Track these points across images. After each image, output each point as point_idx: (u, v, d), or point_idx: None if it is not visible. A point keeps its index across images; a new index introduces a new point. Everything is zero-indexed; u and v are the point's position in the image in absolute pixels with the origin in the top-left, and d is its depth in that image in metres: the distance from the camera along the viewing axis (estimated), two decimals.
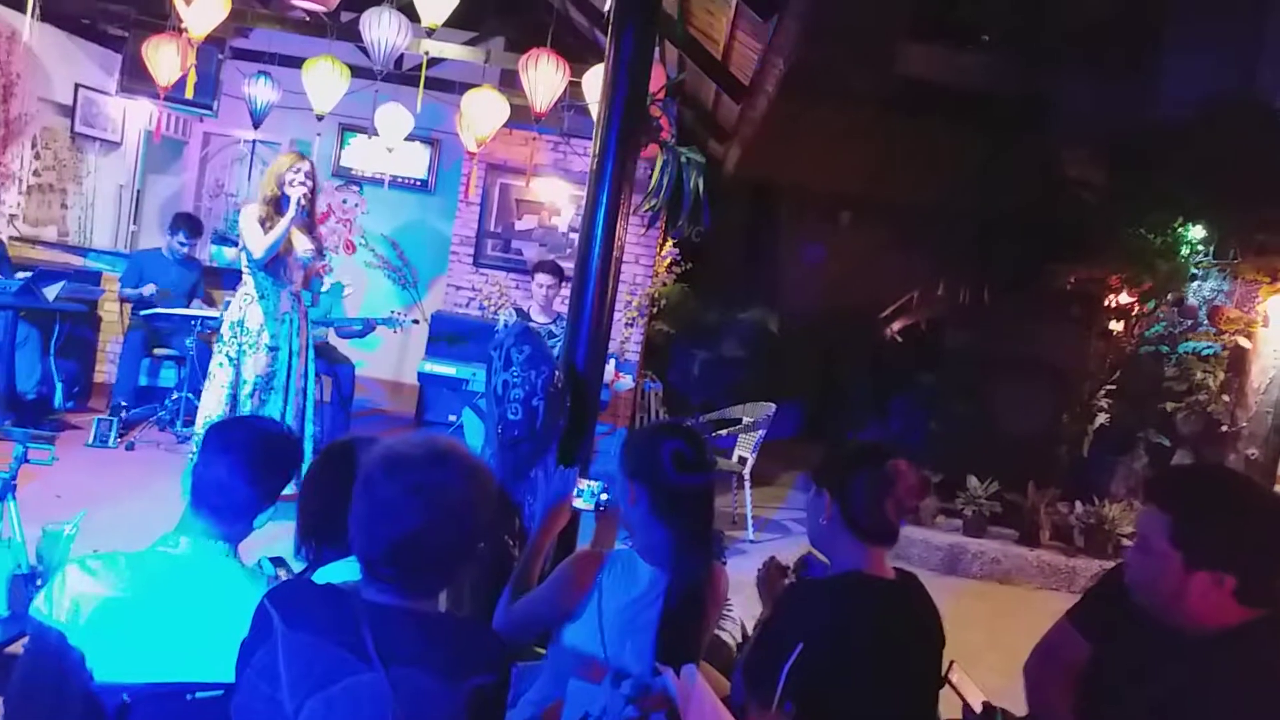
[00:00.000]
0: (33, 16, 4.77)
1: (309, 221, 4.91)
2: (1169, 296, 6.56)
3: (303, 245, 4.88)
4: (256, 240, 4.70)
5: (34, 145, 7.24)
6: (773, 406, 6.75)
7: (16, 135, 7.03)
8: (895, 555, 5.77)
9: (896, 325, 10.54)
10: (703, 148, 6.80)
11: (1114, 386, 6.85)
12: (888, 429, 8.55)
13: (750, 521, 6.24)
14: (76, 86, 7.56)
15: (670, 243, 7.73)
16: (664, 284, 8.01)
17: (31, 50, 6.84)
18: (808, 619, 1.81)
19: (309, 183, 4.78)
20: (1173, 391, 6.41)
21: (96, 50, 7.65)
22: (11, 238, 6.70)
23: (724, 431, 6.75)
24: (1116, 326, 7.24)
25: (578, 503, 2.26)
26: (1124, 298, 7.09)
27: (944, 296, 9.86)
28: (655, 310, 8.18)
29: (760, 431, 6.58)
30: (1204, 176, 6.25)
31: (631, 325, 7.66)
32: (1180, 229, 6.44)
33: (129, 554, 1.89)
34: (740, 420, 6.86)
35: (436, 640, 1.49)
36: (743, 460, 6.57)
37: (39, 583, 2.05)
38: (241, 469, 1.92)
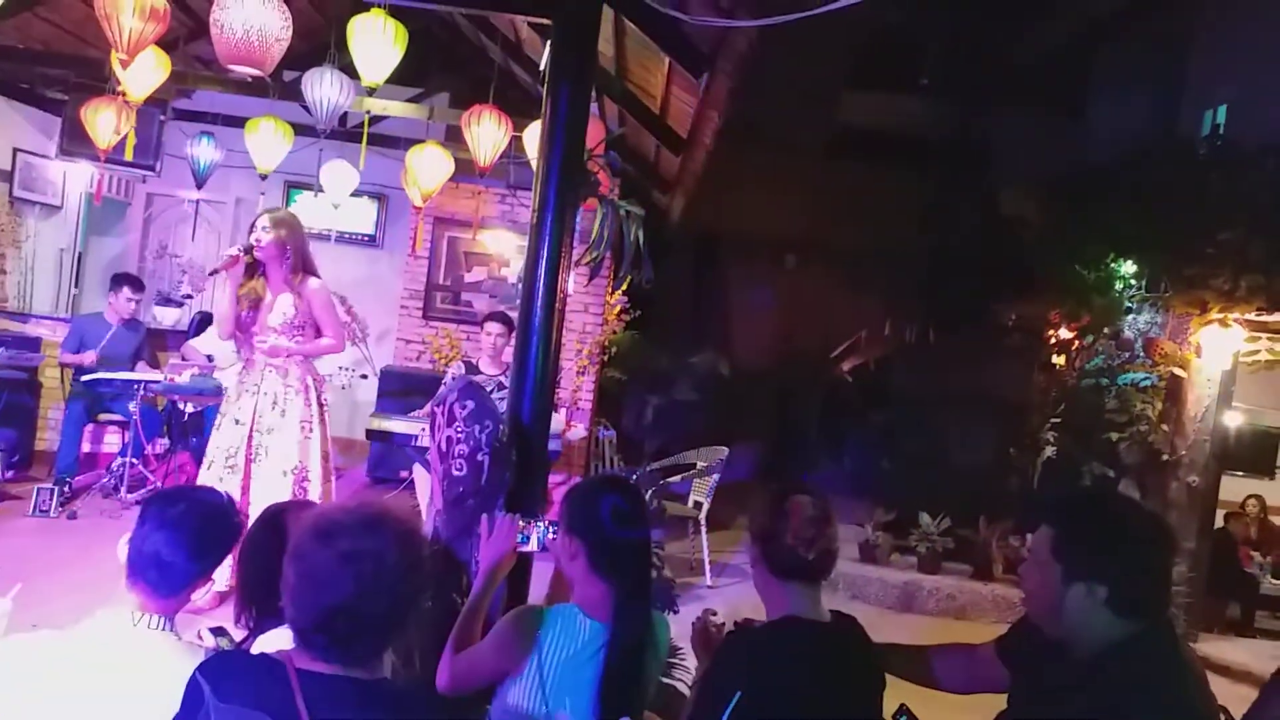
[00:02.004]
0: None
1: (284, 275, 4.42)
2: (1106, 330, 6.74)
3: (280, 307, 4.40)
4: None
5: None
6: (726, 450, 6.78)
7: None
8: (851, 595, 5.79)
9: (846, 365, 10.68)
10: (646, 198, 6.92)
11: (1059, 419, 7.00)
12: (842, 468, 8.63)
13: (708, 567, 6.24)
14: (15, 151, 7.49)
15: (619, 291, 7.80)
16: (614, 332, 8.06)
17: None
18: (743, 667, 1.83)
19: (254, 234, 4.37)
20: (1114, 423, 6.56)
21: (35, 114, 7.59)
22: None
23: (678, 477, 6.76)
24: (1058, 360, 7.41)
25: (525, 547, 2.26)
26: (1064, 333, 7.28)
27: (891, 336, 10.03)
28: (606, 358, 8.22)
29: (715, 476, 6.60)
30: (1134, 213, 6.46)
31: (583, 373, 7.68)
32: (1114, 264, 6.64)
33: (61, 630, 1.85)
34: (694, 465, 6.88)
35: (373, 707, 1.48)
36: (698, 505, 6.58)
37: None
38: (180, 544, 1.89)
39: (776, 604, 1.95)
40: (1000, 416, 7.31)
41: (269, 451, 4.39)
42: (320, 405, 4.57)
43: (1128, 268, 6.64)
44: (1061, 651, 1.76)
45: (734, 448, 6.92)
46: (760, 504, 2.04)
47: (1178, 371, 6.40)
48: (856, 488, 7.54)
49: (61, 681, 1.75)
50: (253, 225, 4.45)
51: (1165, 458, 6.38)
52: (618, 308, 7.91)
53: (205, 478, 4.42)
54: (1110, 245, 6.59)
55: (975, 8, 8.95)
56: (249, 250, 4.35)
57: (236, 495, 4.22)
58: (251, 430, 4.39)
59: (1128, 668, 1.66)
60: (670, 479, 6.74)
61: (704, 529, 6.37)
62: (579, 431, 6.93)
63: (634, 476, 6.00)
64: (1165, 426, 6.41)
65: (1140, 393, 6.53)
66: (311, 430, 4.48)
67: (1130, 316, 6.64)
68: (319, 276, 4.57)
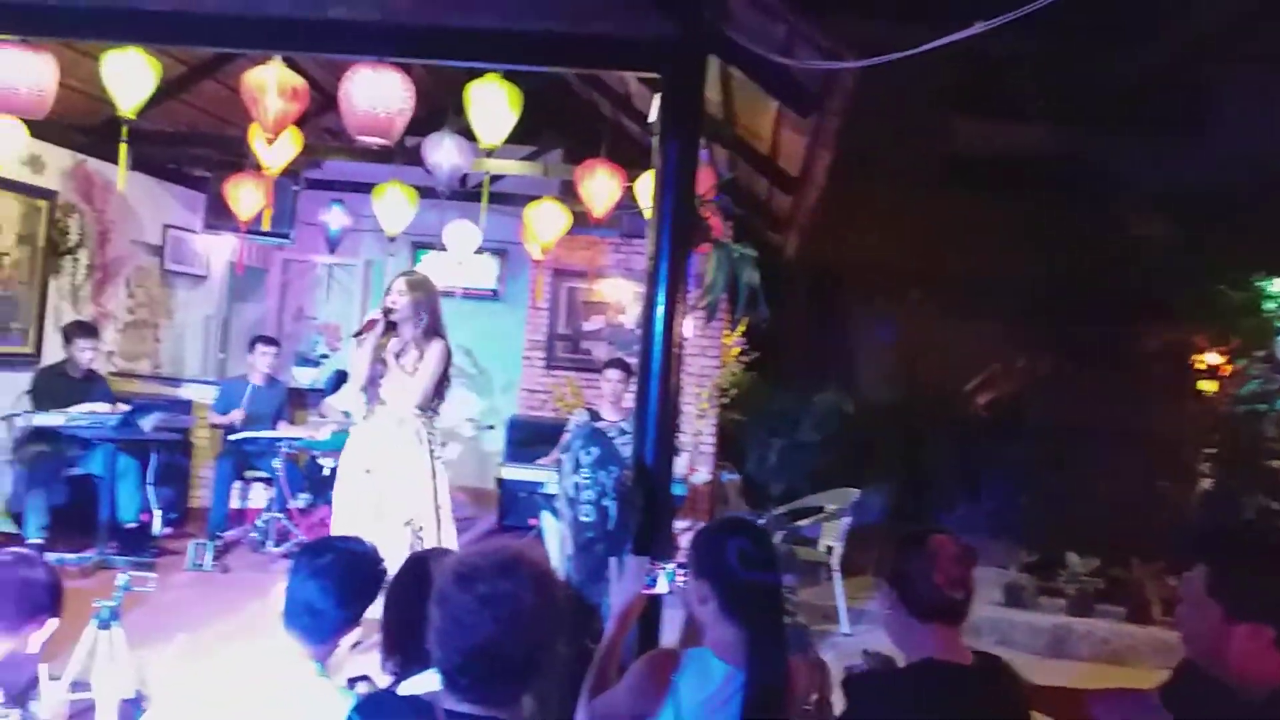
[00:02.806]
0: (126, 167, 5.12)
1: (415, 336, 4.63)
2: (1259, 353, 6.34)
3: (407, 362, 4.61)
4: None
5: (128, 285, 7.69)
6: (857, 492, 6.63)
7: (113, 277, 7.48)
8: (998, 640, 5.53)
9: (980, 400, 10.34)
10: (760, 239, 6.90)
11: (1213, 449, 6.60)
12: (978, 507, 8.31)
13: (844, 614, 6.06)
14: (165, 227, 8.05)
15: (736, 333, 7.79)
16: (733, 374, 8.03)
17: (124, 197, 7.33)
18: (880, 710, 1.77)
19: (390, 297, 4.64)
20: (1276, 450, 6.13)
21: (182, 192, 8.16)
22: (110, 373, 7.07)
23: (807, 521, 6.64)
24: (1207, 387, 7.00)
25: (653, 590, 2.26)
26: (1212, 357, 6.88)
27: (1025, 368, 9.67)
28: (726, 401, 8.19)
29: (846, 519, 6.45)
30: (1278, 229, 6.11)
31: (703, 417, 7.67)
32: (1262, 283, 6.27)
33: (226, 670, 1.96)
34: (822, 509, 6.75)
35: None
36: (830, 550, 6.43)
37: (144, 705, 2.13)
38: (329, 591, 1.99)
39: (916, 647, 1.90)
40: (1148, 448, 6.93)
41: (390, 502, 4.54)
42: (435, 458, 4.71)
43: (1277, 286, 6.26)
44: (1232, 695, 1.65)
45: (863, 489, 6.76)
46: (896, 545, 1.99)
47: None
48: (995, 528, 7.25)
49: (224, 717, 1.85)
50: (389, 288, 4.69)
51: None
52: (736, 349, 7.89)
53: (335, 528, 4.61)
54: (1258, 263, 6.22)
55: (1081, 30, 8.71)
56: (387, 313, 4.58)
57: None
58: (373, 480, 4.56)
59: None
60: (799, 523, 6.62)
61: (837, 574, 6.22)
62: (702, 475, 6.91)
63: (761, 521, 5.92)
64: None
65: None
66: (429, 481, 4.63)
67: None
68: (445, 339, 4.75)
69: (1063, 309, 8.73)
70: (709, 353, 7.77)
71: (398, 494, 4.56)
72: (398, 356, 4.63)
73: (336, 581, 1.99)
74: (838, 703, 2.83)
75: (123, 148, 4.97)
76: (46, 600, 1.88)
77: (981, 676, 1.90)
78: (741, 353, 7.95)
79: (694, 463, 7.06)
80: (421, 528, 4.54)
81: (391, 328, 4.62)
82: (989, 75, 9.97)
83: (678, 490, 5.36)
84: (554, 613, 1.57)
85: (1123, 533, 6.40)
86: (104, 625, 3.17)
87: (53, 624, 1.89)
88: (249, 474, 6.82)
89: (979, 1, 2.80)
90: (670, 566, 2.27)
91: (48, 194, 6.72)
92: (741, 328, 7.76)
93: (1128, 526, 6.50)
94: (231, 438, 6.62)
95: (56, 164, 6.77)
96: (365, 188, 7.04)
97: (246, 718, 1.90)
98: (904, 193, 9.70)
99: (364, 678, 2.39)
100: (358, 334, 4.68)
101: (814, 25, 3.47)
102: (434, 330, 4.67)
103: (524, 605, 1.52)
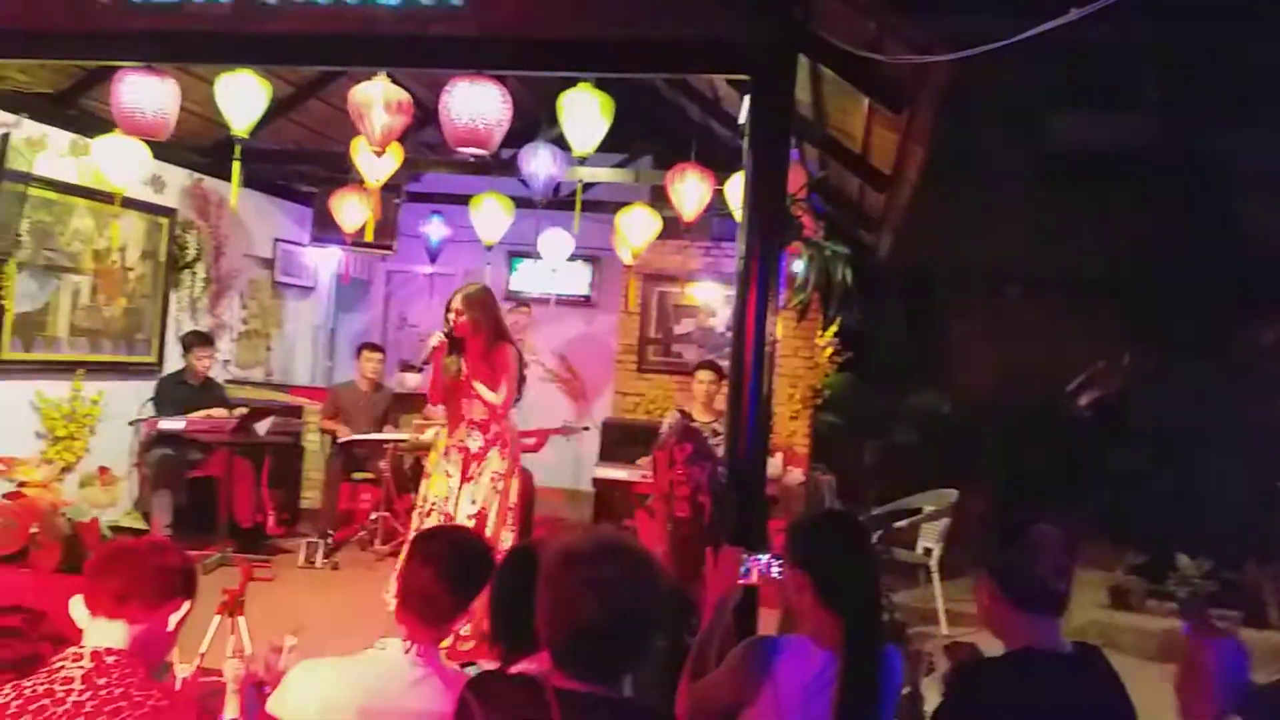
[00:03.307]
0: (239, 184, 5.40)
1: (480, 347, 4.77)
2: None
3: (479, 375, 4.74)
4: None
5: (242, 297, 8.08)
6: (955, 493, 6.53)
7: (227, 289, 7.87)
8: (1104, 643, 5.42)
9: (1083, 400, 10.02)
10: (853, 239, 6.87)
11: None
12: (1083, 508, 8.07)
13: (943, 616, 5.98)
14: (275, 241, 8.43)
15: (829, 333, 7.75)
16: (826, 375, 7.99)
17: (237, 213, 7.71)
18: (979, 698, 1.78)
19: (449, 314, 4.79)
20: None
21: (291, 207, 8.53)
22: (226, 380, 7.43)
23: (904, 522, 6.56)
24: None
25: (747, 580, 2.30)
26: None
27: (1131, 366, 9.34)
28: (820, 402, 8.14)
29: (945, 520, 6.36)
30: None
31: (796, 418, 7.65)
32: None
33: (344, 658, 2.09)
34: (920, 510, 6.66)
35: None
36: (928, 551, 6.36)
37: (266, 690, 2.27)
38: (442, 578, 2.10)
39: (1015, 637, 1.90)
40: (1261, 446, 6.63)
41: (466, 500, 4.74)
42: (514, 460, 4.89)
43: None
44: None
45: (963, 490, 6.65)
46: (997, 535, 2.00)
47: None
48: (1100, 529, 7.03)
49: (344, 699, 1.97)
50: (448, 305, 4.84)
51: None
52: (829, 350, 7.85)
53: (415, 523, 4.80)
54: None
55: (1191, 19, 8.38)
56: (448, 334, 4.75)
57: None
58: (463, 482, 4.76)
59: None
60: (896, 524, 6.55)
61: (936, 576, 6.14)
62: (796, 476, 6.89)
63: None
64: None
65: None
66: (501, 482, 4.80)
67: None
68: (512, 342, 4.92)
69: (1171, 303, 8.42)
70: (801, 354, 7.75)
71: (473, 493, 4.76)
72: (470, 371, 4.78)
73: (448, 568, 2.10)
74: (930, 697, 2.84)
75: (236, 166, 5.22)
76: (181, 583, 2.02)
77: (1080, 665, 1.89)
78: (834, 353, 7.89)
79: (788, 464, 7.04)
80: (487, 522, 4.71)
81: (456, 345, 4.78)
82: (1092, 66, 9.68)
83: (771, 491, 5.37)
84: (655, 594, 1.64)
85: (1237, 534, 6.14)
86: (228, 614, 3.38)
87: (186, 606, 2.03)
88: (357, 475, 7.08)
89: None
90: (765, 557, 2.31)
91: (168, 212, 7.11)
92: (834, 328, 7.71)
93: (1242, 527, 6.23)
94: (340, 440, 6.89)
95: (175, 183, 7.17)
96: (463, 199, 7.26)
97: (362, 701, 2.01)
98: (1003, 188, 9.48)
99: (472, 665, 2.50)
100: (424, 363, 4.87)
101: (905, 20, 3.46)
102: (497, 337, 4.82)
103: (626, 588, 1.59)
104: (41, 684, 1.83)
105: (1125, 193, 9.08)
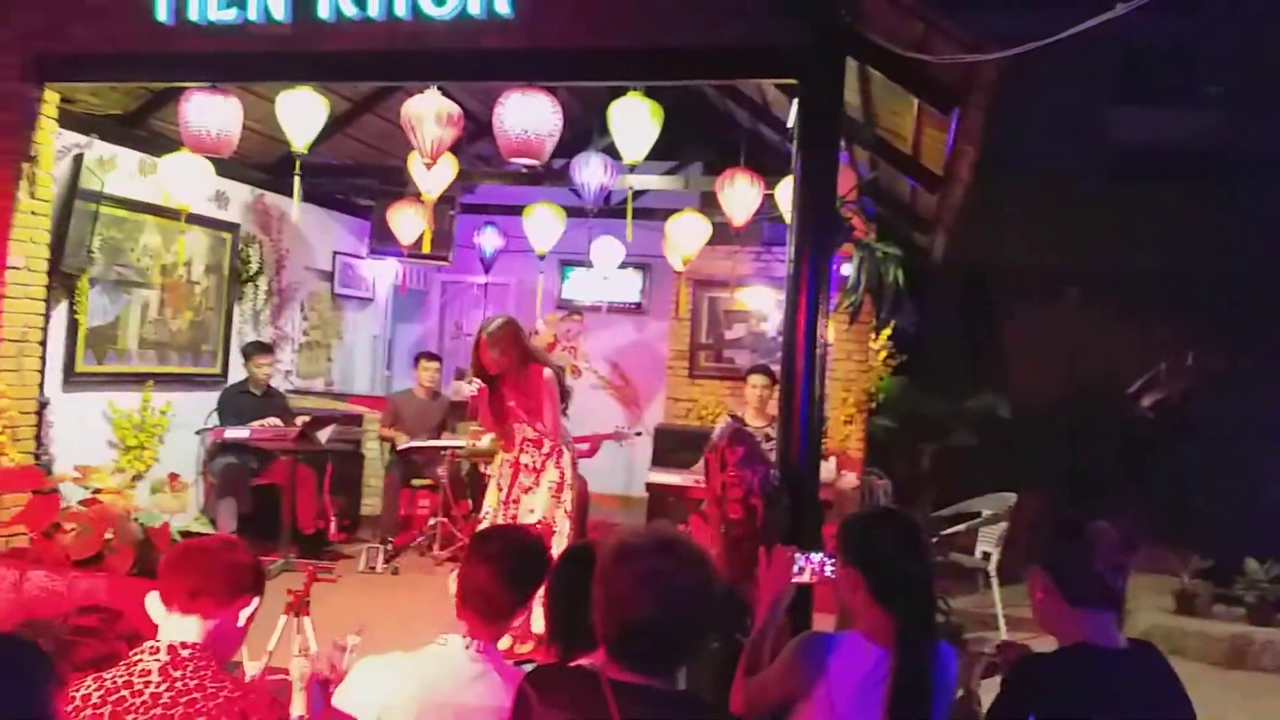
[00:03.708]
0: (299, 199, 5.55)
1: (514, 378, 4.95)
2: None
3: (520, 403, 4.96)
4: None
5: (303, 308, 8.28)
6: (1014, 497, 6.44)
7: (288, 301, 8.07)
8: (1169, 650, 5.30)
9: (1146, 401, 9.80)
10: (906, 240, 6.82)
11: None
12: (1146, 511, 7.90)
13: (1002, 621, 5.89)
14: (335, 253, 8.62)
15: (882, 336, 7.69)
16: (880, 378, 7.93)
17: (298, 227, 7.91)
18: (1035, 691, 1.78)
19: (479, 361, 4.93)
20: None
21: (349, 220, 8.72)
22: (288, 390, 7.62)
23: (961, 527, 6.49)
24: None
25: (800, 579, 2.32)
26: None
27: (1195, 366, 9.13)
28: (874, 406, 8.08)
29: (1003, 524, 6.28)
30: None
31: (850, 423, 7.61)
32: None
33: (406, 654, 2.16)
34: (979, 514, 6.59)
35: (678, 715, 1.63)
36: (986, 556, 6.28)
37: (331, 688, 2.34)
38: (500, 577, 2.16)
39: (1070, 632, 1.89)
40: None
41: (525, 510, 4.88)
42: (571, 470, 5.02)
43: None
44: None
45: (1022, 494, 6.55)
46: (1052, 532, 1.99)
47: None
48: (1165, 534, 6.88)
49: (405, 693, 2.03)
50: (475, 345, 4.94)
51: None
52: (883, 353, 7.79)
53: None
54: None
55: (1253, 5, 8.19)
56: (482, 377, 4.88)
57: None
58: (510, 493, 4.93)
59: None
60: (954, 528, 6.48)
61: (995, 581, 6.06)
62: (850, 480, 6.85)
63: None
64: None
65: None
66: (560, 492, 4.92)
67: None
68: (548, 366, 5.03)
69: (1235, 301, 8.22)
70: (855, 357, 7.70)
71: (530, 504, 4.89)
72: (513, 402, 4.94)
73: (506, 567, 2.15)
74: (986, 700, 2.81)
75: (296, 181, 5.38)
76: (251, 580, 2.10)
77: (1137, 661, 1.88)
78: (888, 356, 7.83)
79: (841, 468, 7.01)
80: (552, 531, 4.83)
81: (492, 382, 4.90)
82: (1156, 58, 9.52)
83: (825, 495, 5.36)
84: (708, 589, 1.67)
85: None
86: (294, 613, 3.48)
87: (255, 602, 2.11)
88: (415, 482, 7.21)
89: None
90: (819, 556, 2.32)
91: (232, 227, 7.33)
92: (887, 331, 7.66)
93: None
94: (399, 448, 7.02)
95: (238, 199, 7.38)
96: (516, 209, 7.36)
97: (423, 695, 2.07)
98: (1060, 186, 9.35)
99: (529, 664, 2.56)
100: (471, 415, 5.02)
101: (952, 20, 3.45)
102: (527, 361, 4.93)
103: (680, 583, 1.62)
104: (120, 676, 1.92)
105: (1186, 189, 8.90)
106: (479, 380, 4.90)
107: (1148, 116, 9.97)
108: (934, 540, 6.24)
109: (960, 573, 6.43)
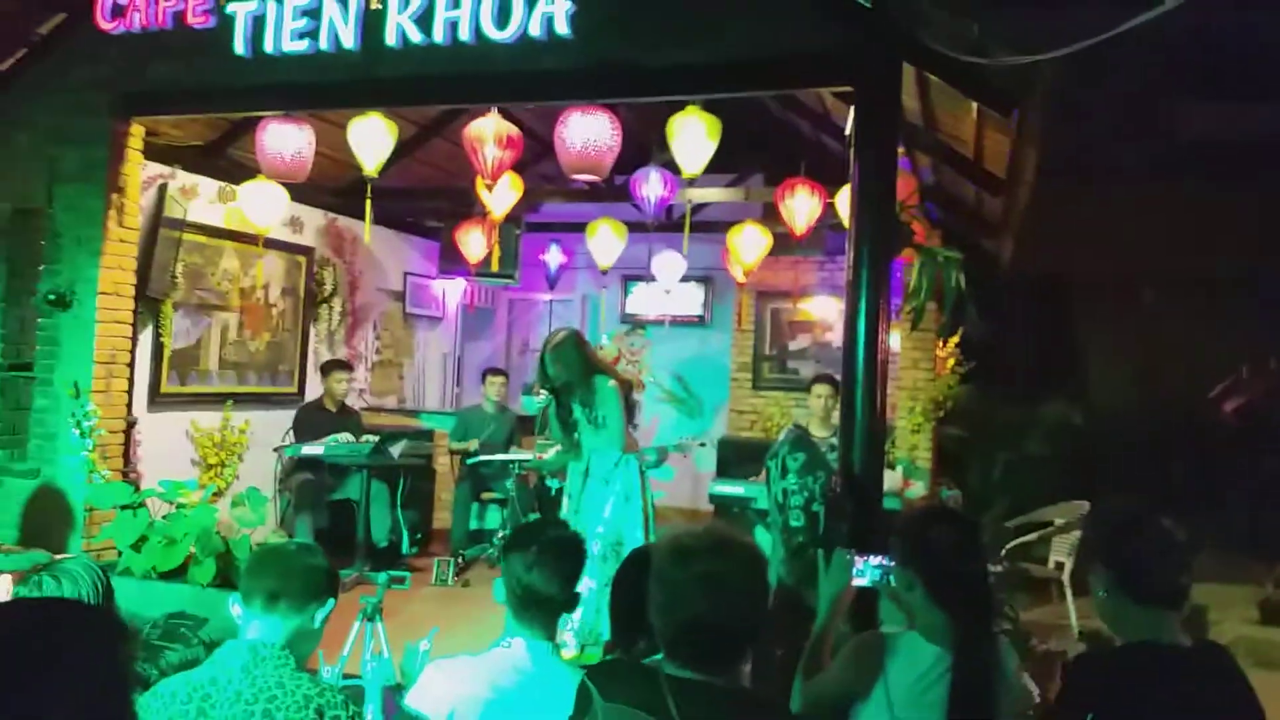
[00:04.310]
0: (370, 222, 5.72)
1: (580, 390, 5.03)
2: None
3: (588, 416, 5.03)
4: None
5: (375, 328, 8.50)
6: (1087, 505, 6.30)
7: (362, 321, 8.30)
8: (1254, 661, 5.11)
9: (1227, 406, 9.51)
10: (973, 246, 6.74)
11: None
12: (1229, 519, 7.66)
13: (1077, 631, 5.77)
14: (405, 274, 8.84)
15: (950, 343, 7.60)
16: (949, 386, 7.82)
17: (370, 250, 8.13)
18: (1096, 689, 1.77)
19: (545, 374, 5.03)
20: None
21: (419, 242, 8.94)
22: (362, 408, 7.82)
23: (1033, 535, 6.38)
24: None
25: (860, 581, 2.33)
26: None
27: (1278, 370, 8.83)
28: (943, 414, 7.98)
29: (1076, 533, 6.15)
30: None
31: (918, 431, 7.52)
32: None
33: (473, 655, 2.23)
34: (1051, 523, 6.47)
35: (734, 709, 1.67)
36: (1060, 566, 6.16)
37: (403, 692, 2.43)
38: (548, 577, 2.22)
39: (1134, 631, 1.87)
40: None
41: (595, 521, 4.89)
42: (640, 479, 5.02)
43: None
44: None
45: (1096, 502, 6.41)
46: (1113, 529, 1.98)
47: None
48: (1248, 542, 6.66)
49: (472, 694, 2.10)
50: (540, 362, 5.02)
51: None
52: (951, 360, 7.69)
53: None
54: None
55: None
56: (548, 391, 4.96)
57: None
58: (580, 503, 4.97)
59: None
60: (1025, 537, 6.37)
61: (1069, 590, 5.94)
62: (918, 489, 6.77)
63: (985, 537, 5.75)
64: None
65: None
66: (630, 499, 4.95)
67: None
68: (613, 377, 5.06)
69: None
70: (921, 365, 7.62)
71: (610, 517, 4.91)
72: (580, 414, 4.99)
73: (551, 567, 2.22)
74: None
75: (367, 205, 5.56)
76: (327, 583, 2.20)
77: (1203, 661, 1.85)
78: (956, 364, 7.73)
79: (909, 477, 6.93)
80: (623, 539, 4.87)
81: (560, 395, 4.97)
82: (1224, 55, 9.26)
83: (892, 504, 5.30)
84: (762, 588, 1.70)
85: None
86: (369, 619, 3.59)
87: (331, 604, 2.20)
88: (485, 496, 7.34)
89: None
90: (878, 558, 2.33)
91: (306, 250, 7.57)
92: (955, 338, 7.56)
93: None
94: (468, 462, 7.15)
95: (312, 223, 7.63)
96: (579, 227, 7.47)
97: (489, 695, 2.14)
98: (1129, 187, 9.15)
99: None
100: (540, 431, 5.14)
101: (1008, 21, 3.44)
102: (591, 372, 4.97)
103: (734, 581, 1.67)
104: (205, 675, 2.03)
105: (1261, 185, 8.62)
106: (546, 392, 4.98)
107: (1224, 113, 9.71)
108: (1006, 550, 6.14)
109: (1034, 583, 6.31)
